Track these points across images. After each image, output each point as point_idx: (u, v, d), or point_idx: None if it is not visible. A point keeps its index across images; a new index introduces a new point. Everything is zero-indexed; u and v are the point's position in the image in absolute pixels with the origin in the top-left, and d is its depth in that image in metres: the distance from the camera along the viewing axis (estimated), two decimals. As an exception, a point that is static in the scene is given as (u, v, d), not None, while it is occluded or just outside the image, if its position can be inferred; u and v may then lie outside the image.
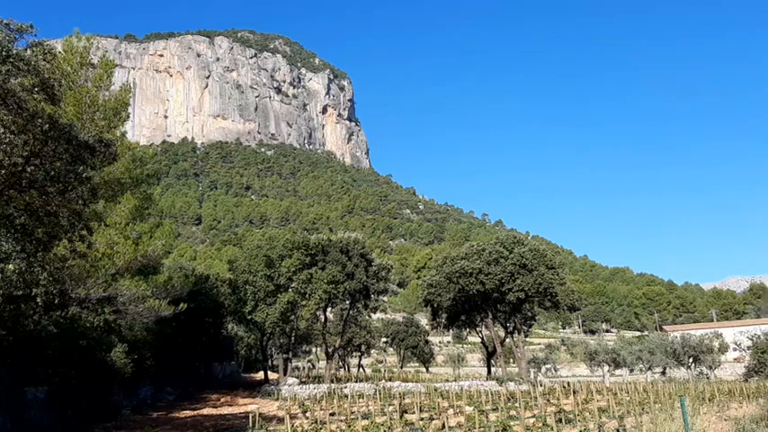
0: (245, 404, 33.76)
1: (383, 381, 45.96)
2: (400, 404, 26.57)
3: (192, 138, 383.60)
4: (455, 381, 47.69)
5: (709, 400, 25.66)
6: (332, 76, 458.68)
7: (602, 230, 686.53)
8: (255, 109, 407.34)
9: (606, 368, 60.80)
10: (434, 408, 26.44)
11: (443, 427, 19.87)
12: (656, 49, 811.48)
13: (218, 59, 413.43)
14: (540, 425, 20.75)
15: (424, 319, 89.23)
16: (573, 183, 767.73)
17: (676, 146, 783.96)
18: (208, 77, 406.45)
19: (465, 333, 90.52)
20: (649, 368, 61.57)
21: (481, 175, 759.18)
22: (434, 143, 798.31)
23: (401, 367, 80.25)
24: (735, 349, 63.57)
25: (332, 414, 24.28)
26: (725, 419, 16.57)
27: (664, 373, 59.69)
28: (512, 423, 20.12)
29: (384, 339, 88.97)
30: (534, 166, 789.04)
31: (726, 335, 70.97)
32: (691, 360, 57.52)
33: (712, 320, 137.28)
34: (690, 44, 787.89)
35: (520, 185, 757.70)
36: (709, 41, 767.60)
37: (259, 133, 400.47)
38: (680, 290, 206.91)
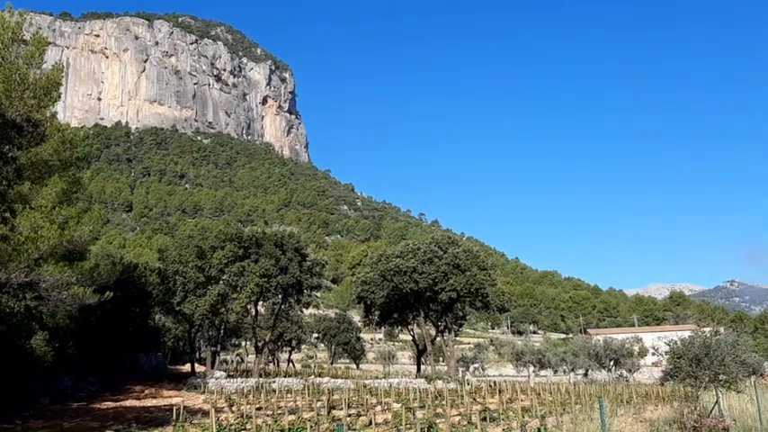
0: (169, 396, 33.09)
1: (313, 376, 45.81)
2: (329, 400, 26.55)
3: (127, 122, 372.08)
4: (385, 378, 47.96)
5: (627, 403, 26.63)
6: (273, 68, 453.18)
7: (535, 234, 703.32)
8: (194, 96, 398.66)
9: (532, 369, 62.29)
10: (363, 404, 26.52)
11: (370, 423, 19.98)
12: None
13: (156, 43, 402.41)
14: (466, 423, 21.11)
15: (356, 316, 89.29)
16: (510, 187, 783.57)
17: (607, 156, 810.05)
18: (145, 61, 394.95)
19: (397, 331, 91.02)
20: (572, 370, 63.42)
21: (420, 175, 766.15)
22: (375, 141, 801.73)
23: (332, 363, 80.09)
24: (653, 354, 66.06)
25: (259, 408, 24.05)
26: (640, 421, 17.23)
27: (586, 374, 61.58)
28: (437, 421, 20.39)
29: (315, 335, 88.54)
30: (473, 168, 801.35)
31: (645, 340, 73.81)
32: (612, 363, 59.53)
33: (634, 325, 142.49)
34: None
35: (458, 186, 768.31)
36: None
37: (196, 121, 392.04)
38: (605, 295, 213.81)
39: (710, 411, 16.49)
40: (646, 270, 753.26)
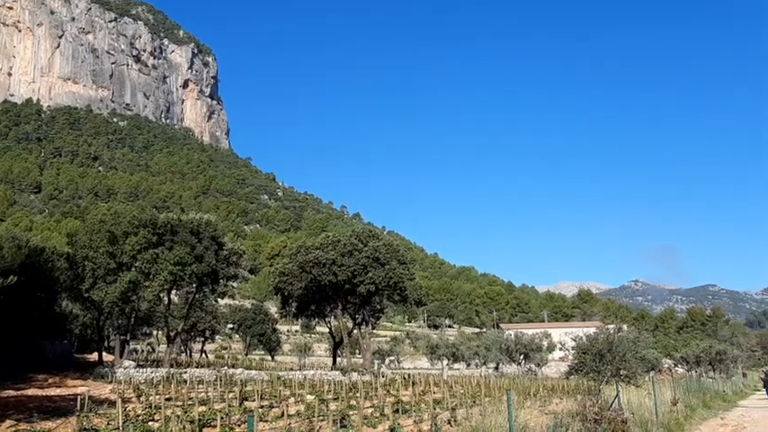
0: (74, 386, 31.80)
1: (226, 367, 45.12)
2: (241, 391, 26.23)
3: (38, 100, 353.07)
4: (300, 370, 47.78)
5: (534, 395, 27.54)
6: (196, 51, 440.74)
7: (454, 231, 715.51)
8: (111, 76, 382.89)
9: (445, 362, 63.48)
10: (276, 396, 26.35)
11: (283, 415, 19.87)
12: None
13: (73, 19, 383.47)
14: (378, 415, 21.31)
15: (273, 307, 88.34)
16: (432, 184, 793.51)
17: (522, 156, 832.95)
18: (60, 37, 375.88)
19: (314, 323, 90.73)
20: (485, 363, 65.00)
21: (342, 167, 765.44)
22: (298, 131, 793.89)
23: (246, 354, 79.04)
24: (561, 349, 68.62)
25: (168, 399, 23.49)
26: (546, 413, 17.81)
27: (497, 368, 63.25)
28: (350, 412, 20.50)
29: (230, 325, 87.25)
30: (396, 163, 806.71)
31: (554, 335, 76.42)
32: (522, 357, 61.38)
33: (544, 321, 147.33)
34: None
35: (380, 181, 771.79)
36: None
37: (113, 102, 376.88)
38: (518, 291, 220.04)
39: (611, 404, 17.25)
40: (557, 268, 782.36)
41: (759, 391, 49.38)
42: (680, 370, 66.94)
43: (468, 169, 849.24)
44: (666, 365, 71.89)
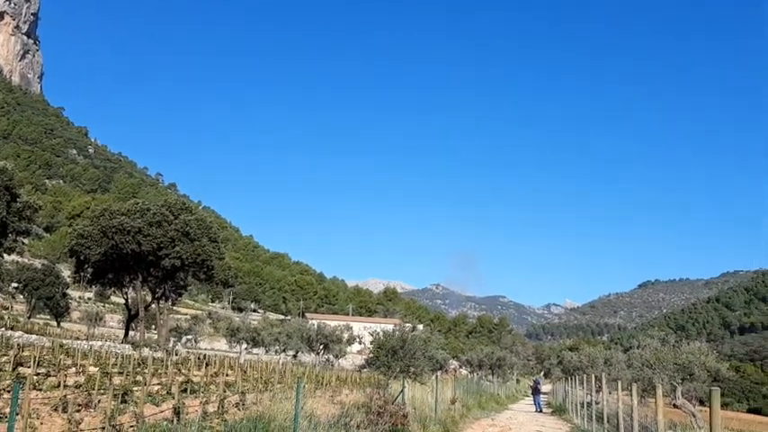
0: None
1: (3, 329, 41.24)
2: (16, 356, 24.11)
3: None
4: (87, 340, 44.92)
5: (327, 385, 28.13)
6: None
7: (272, 215, 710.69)
8: None
9: (244, 346, 62.78)
10: (56, 364, 24.54)
11: (59, 385, 18.56)
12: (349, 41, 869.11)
13: None
14: (165, 393, 20.62)
15: (66, 271, 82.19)
16: (255, 162, 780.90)
17: (350, 154, 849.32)
18: None
19: (109, 292, 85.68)
20: (284, 350, 65.15)
21: (163, 132, 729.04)
22: (119, 86, 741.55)
23: (29, 318, 72.69)
24: (360, 342, 70.74)
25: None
26: (334, 403, 18.27)
27: (296, 356, 63.72)
28: (135, 388, 19.62)
29: (15, 284, 79.94)
30: (220, 135, 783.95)
31: (355, 328, 78.57)
32: (322, 347, 62.37)
33: (348, 314, 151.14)
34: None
35: (201, 153, 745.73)
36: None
37: None
38: (328, 282, 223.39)
39: (395, 399, 18.07)
40: (369, 265, 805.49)
41: (528, 396, 54.28)
42: (464, 371, 71.69)
43: (291, 156, 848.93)
44: (453, 366, 76.88)
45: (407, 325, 34.61)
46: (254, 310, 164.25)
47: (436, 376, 27.41)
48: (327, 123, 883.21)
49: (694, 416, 18.77)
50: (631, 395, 14.79)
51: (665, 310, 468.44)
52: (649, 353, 22.02)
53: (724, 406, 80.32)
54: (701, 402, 20.50)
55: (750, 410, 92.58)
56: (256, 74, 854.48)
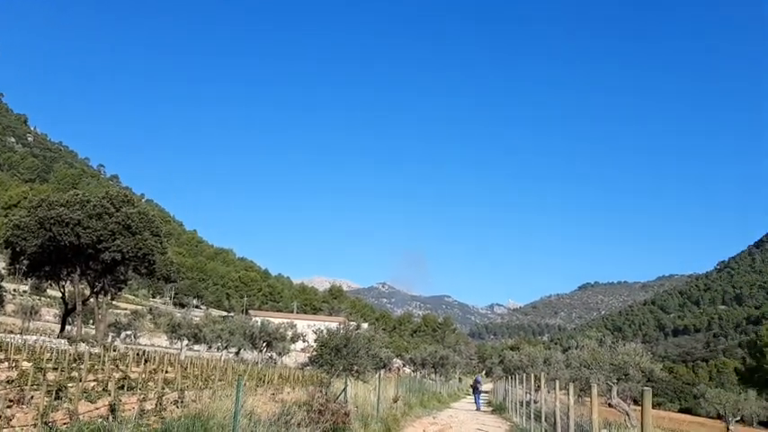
0: None
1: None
2: (-59, 352, 23.17)
3: None
4: (20, 334, 43.45)
5: (269, 383, 27.91)
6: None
7: (217, 211, 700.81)
8: None
9: (185, 342, 61.74)
10: (-15, 360, 23.69)
11: (-12, 382, 17.92)
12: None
13: None
14: (101, 389, 20.13)
15: (1, 263, 79.34)
16: (197, 156, 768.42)
17: (301, 151, 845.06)
18: None
19: (46, 285, 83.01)
20: (226, 347, 64.35)
21: (105, 123, 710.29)
22: (64, 75, 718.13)
23: (-42, 311, 69.97)
24: (304, 340, 70.36)
25: None
26: (276, 401, 18.14)
27: (238, 353, 62.98)
28: (70, 385, 19.08)
29: (-57, 277, 76.49)
30: (166, 128, 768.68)
31: (300, 326, 78.17)
32: (265, 345, 61.80)
33: (293, 312, 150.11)
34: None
35: (145, 145, 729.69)
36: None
37: None
38: (273, 279, 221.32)
39: (338, 397, 18.06)
40: (314, 262, 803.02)
41: (470, 395, 55.00)
42: (407, 370, 72.13)
43: (237, 151, 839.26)
44: (397, 365, 77.22)
45: (352, 323, 34.59)
46: (197, 306, 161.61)
47: (379, 375, 27.52)
48: (279, 121, 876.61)
49: (628, 415, 19.34)
50: (569, 394, 15.14)
51: (603, 312, 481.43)
52: (587, 353, 22.55)
53: (657, 405, 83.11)
54: (636, 402, 21.12)
55: (681, 410, 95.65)
56: (206, 71, 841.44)
